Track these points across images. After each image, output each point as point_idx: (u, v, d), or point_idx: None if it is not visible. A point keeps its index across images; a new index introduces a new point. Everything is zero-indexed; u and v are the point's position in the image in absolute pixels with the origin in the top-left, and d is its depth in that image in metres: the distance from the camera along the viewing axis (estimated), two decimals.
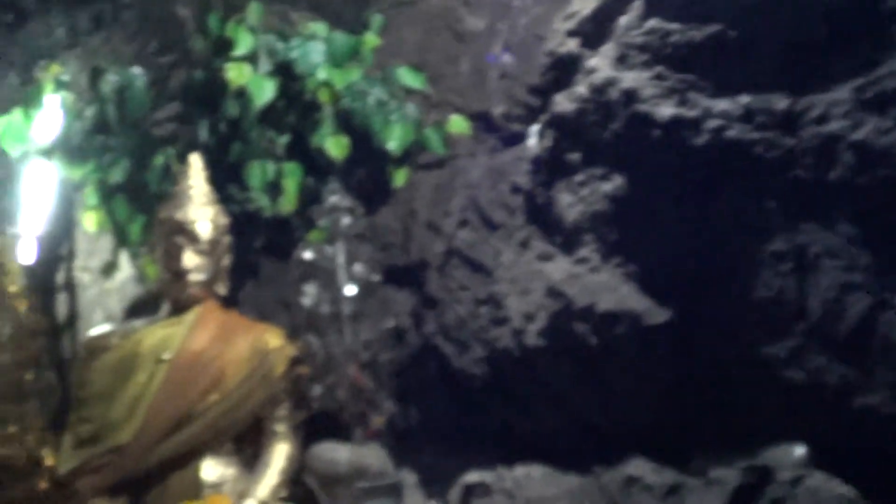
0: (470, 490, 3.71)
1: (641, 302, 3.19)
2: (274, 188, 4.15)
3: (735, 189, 3.04)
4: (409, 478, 4.00)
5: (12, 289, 4.03)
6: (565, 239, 3.47)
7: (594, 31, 3.47)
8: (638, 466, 3.27)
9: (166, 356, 3.81)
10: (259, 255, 4.32)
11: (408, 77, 4.12)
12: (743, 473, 3.04)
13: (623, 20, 3.30)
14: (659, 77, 3.16)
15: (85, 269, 4.90)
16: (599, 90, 3.29)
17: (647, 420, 3.28)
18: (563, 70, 3.56)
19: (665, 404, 3.22)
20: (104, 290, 4.79)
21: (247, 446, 3.90)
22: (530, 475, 3.55)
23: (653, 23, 3.19)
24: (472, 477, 3.73)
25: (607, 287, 3.27)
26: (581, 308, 3.30)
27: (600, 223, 3.32)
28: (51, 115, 4.42)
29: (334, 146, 4.08)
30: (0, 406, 3.89)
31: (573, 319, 3.33)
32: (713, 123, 3.04)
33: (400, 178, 4.10)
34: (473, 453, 3.80)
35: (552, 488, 3.47)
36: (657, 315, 3.16)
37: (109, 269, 4.56)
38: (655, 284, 3.20)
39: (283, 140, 4.17)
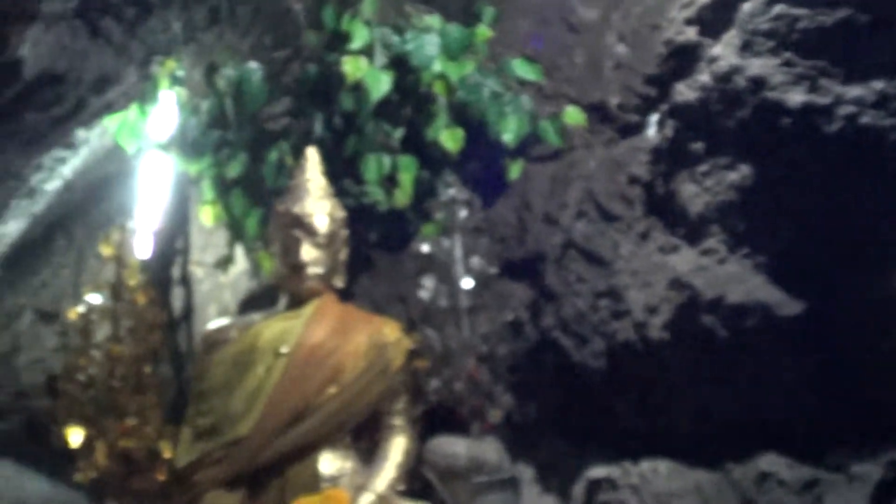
0: (595, 485, 3.68)
1: (772, 294, 3.15)
2: (389, 181, 4.16)
3: (869, 177, 2.99)
4: (526, 472, 3.98)
5: (132, 282, 4.09)
6: (689, 230, 3.42)
7: (714, 19, 3.41)
8: (771, 461, 3.21)
9: (284, 349, 3.83)
10: (374, 249, 4.32)
11: (522, 69, 4.09)
12: (886, 468, 2.98)
13: (747, 7, 3.24)
14: (788, 64, 3.10)
15: (199, 263, 4.95)
16: (724, 78, 3.24)
17: (779, 414, 3.22)
18: (682, 59, 3.51)
19: (799, 398, 3.16)
20: (218, 284, 4.83)
21: (364, 440, 3.91)
22: (657, 470, 3.51)
23: (779, 9, 3.13)
24: (597, 472, 3.70)
25: (736, 279, 3.22)
26: (709, 300, 3.26)
27: (727, 214, 3.27)
28: (166, 110, 4.47)
29: (449, 139, 4.07)
30: (120, 398, 3.95)
31: (700, 312, 3.28)
32: (846, 110, 2.99)
33: (515, 170, 4.08)
34: (592, 448, 3.78)
35: (679, 483, 3.42)
36: (790, 307, 3.11)
37: (225, 262, 4.60)
38: (787, 276, 3.14)
39: (399, 133, 4.18)
